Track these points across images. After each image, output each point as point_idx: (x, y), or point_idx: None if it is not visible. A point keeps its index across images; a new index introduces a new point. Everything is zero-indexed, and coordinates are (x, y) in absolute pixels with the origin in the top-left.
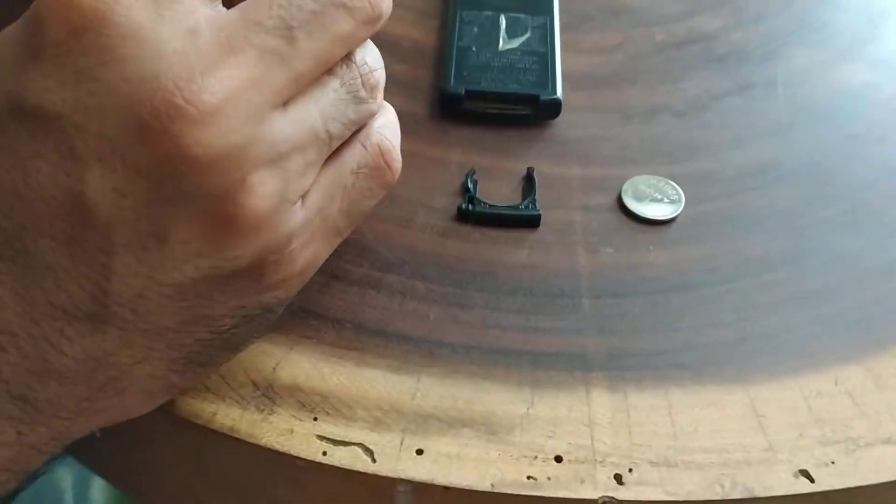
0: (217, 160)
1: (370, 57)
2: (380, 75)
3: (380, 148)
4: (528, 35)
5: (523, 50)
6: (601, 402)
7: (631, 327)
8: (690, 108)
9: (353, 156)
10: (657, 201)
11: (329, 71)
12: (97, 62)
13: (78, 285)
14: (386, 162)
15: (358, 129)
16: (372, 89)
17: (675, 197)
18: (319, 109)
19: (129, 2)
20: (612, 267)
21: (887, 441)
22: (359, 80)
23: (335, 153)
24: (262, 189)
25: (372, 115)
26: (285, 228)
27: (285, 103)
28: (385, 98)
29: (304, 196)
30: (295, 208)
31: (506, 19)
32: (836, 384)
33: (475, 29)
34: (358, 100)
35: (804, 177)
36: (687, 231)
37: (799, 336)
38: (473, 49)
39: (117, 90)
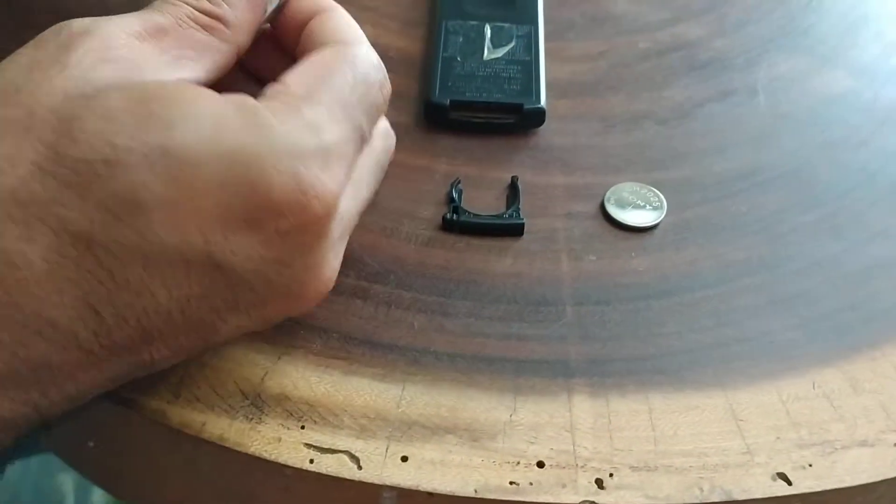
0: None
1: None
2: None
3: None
4: (512, 44)
5: (508, 59)
6: (583, 408)
7: (613, 334)
8: (673, 116)
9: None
10: (640, 208)
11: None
12: (299, 254)
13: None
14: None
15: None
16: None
17: (658, 204)
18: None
19: (334, 222)
20: (595, 274)
21: (863, 443)
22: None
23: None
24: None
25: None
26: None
27: None
28: None
29: None
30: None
31: (491, 29)
32: (813, 387)
33: (460, 38)
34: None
35: (785, 183)
36: (669, 237)
37: (777, 340)
38: (458, 59)
39: (298, 275)
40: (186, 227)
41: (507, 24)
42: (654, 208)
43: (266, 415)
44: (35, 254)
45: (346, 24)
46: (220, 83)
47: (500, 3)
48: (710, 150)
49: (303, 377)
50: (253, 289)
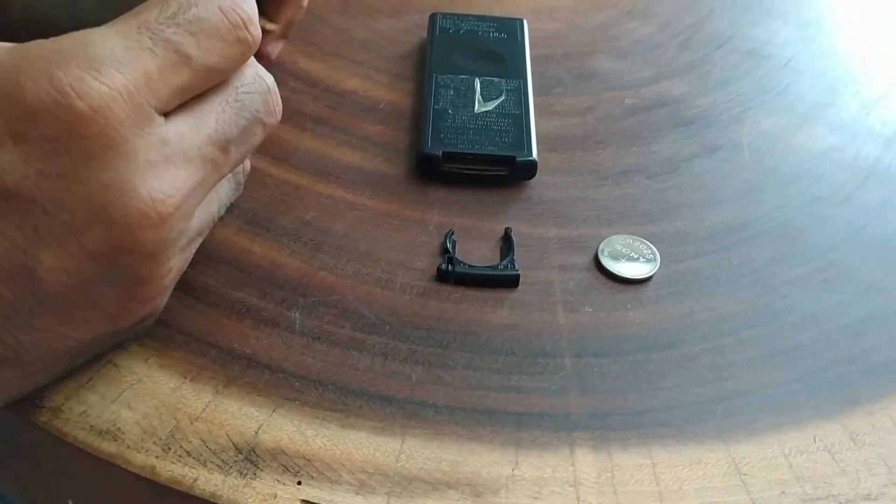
0: (158, 253)
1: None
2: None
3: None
4: (502, 98)
5: (499, 112)
6: (586, 462)
7: (613, 386)
8: (662, 170)
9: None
10: (633, 260)
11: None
12: (83, 165)
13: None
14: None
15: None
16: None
17: (651, 256)
18: (219, 197)
19: (120, 116)
20: (592, 326)
21: (867, 497)
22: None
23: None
24: (175, 268)
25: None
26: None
27: None
28: (363, 159)
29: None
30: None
31: (480, 82)
32: (814, 441)
33: (451, 92)
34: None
35: (775, 237)
36: (664, 290)
37: (777, 394)
38: (450, 111)
39: (96, 192)
40: None
41: (496, 79)
42: (648, 261)
43: (261, 470)
44: None
45: None
46: None
47: (489, 58)
48: (700, 203)
49: (298, 430)
50: (46, 211)
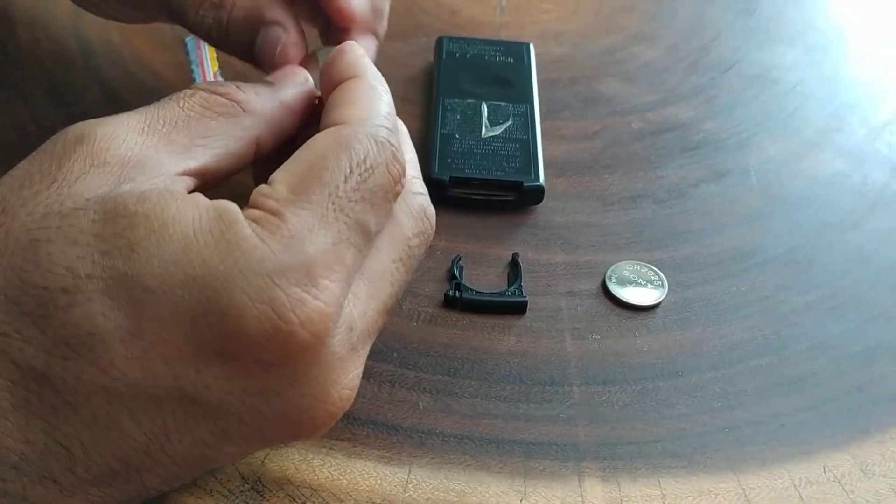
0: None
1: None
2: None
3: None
4: (509, 122)
5: (505, 137)
6: (595, 493)
7: (621, 415)
8: (669, 195)
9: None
10: (641, 287)
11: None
12: (288, 383)
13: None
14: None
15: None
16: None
17: (659, 282)
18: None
19: (331, 330)
20: (600, 354)
21: None
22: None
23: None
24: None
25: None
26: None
27: None
28: None
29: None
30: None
31: (487, 107)
32: (824, 471)
33: (458, 116)
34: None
35: (783, 263)
36: (672, 317)
37: (786, 423)
38: (457, 136)
39: (292, 403)
40: (151, 361)
41: (503, 103)
42: (656, 287)
43: (267, 500)
44: (1, 387)
45: (358, 96)
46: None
47: (496, 83)
48: (708, 229)
49: (305, 460)
50: (242, 420)
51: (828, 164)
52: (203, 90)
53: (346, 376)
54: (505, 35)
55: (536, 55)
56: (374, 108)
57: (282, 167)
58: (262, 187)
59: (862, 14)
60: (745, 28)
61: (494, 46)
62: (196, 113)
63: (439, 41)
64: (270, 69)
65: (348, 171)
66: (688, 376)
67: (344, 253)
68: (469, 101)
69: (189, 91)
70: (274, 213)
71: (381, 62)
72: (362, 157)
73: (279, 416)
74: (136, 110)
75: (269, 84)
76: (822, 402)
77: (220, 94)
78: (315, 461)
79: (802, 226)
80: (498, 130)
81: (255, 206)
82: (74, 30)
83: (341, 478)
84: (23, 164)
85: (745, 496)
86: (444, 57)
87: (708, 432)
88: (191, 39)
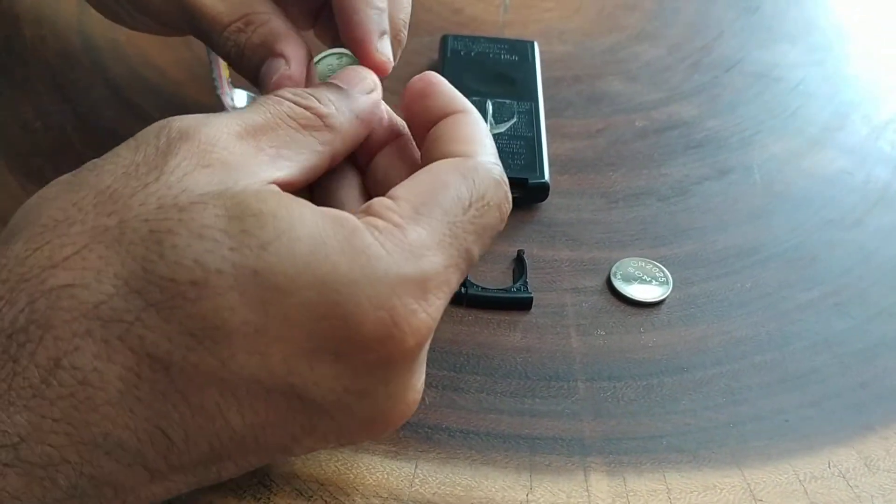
0: None
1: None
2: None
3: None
4: (514, 120)
5: (511, 134)
6: (600, 488)
7: (627, 410)
8: (673, 193)
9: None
10: (646, 283)
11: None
12: (382, 384)
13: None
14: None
15: None
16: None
17: (663, 279)
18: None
19: (428, 338)
20: (605, 349)
21: None
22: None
23: None
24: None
25: None
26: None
27: None
28: None
29: None
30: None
31: (492, 104)
32: (829, 467)
33: None
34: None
35: (786, 260)
36: (676, 313)
37: (791, 419)
38: None
39: (379, 403)
40: (271, 356)
41: (508, 101)
42: (660, 283)
43: (275, 494)
44: (112, 373)
45: (473, 132)
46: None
47: (500, 80)
48: (712, 226)
49: (312, 454)
50: (333, 418)
51: (830, 162)
52: (290, 100)
53: (420, 381)
54: (508, 33)
55: (540, 53)
56: (487, 146)
57: (404, 185)
58: (386, 201)
59: (864, 13)
60: (748, 27)
61: (499, 44)
62: (283, 122)
63: (444, 39)
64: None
65: (467, 203)
66: (692, 372)
67: (451, 276)
68: (474, 98)
69: (276, 98)
70: (396, 225)
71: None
72: (481, 192)
73: (364, 414)
74: (230, 113)
75: (343, 91)
76: (825, 398)
77: (306, 108)
78: (322, 456)
79: (805, 223)
80: (503, 128)
81: (376, 216)
82: (79, 27)
83: (348, 472)
84: (123, 152)
85: (750, 491)
86: (448, 55)
87: (712, 427)
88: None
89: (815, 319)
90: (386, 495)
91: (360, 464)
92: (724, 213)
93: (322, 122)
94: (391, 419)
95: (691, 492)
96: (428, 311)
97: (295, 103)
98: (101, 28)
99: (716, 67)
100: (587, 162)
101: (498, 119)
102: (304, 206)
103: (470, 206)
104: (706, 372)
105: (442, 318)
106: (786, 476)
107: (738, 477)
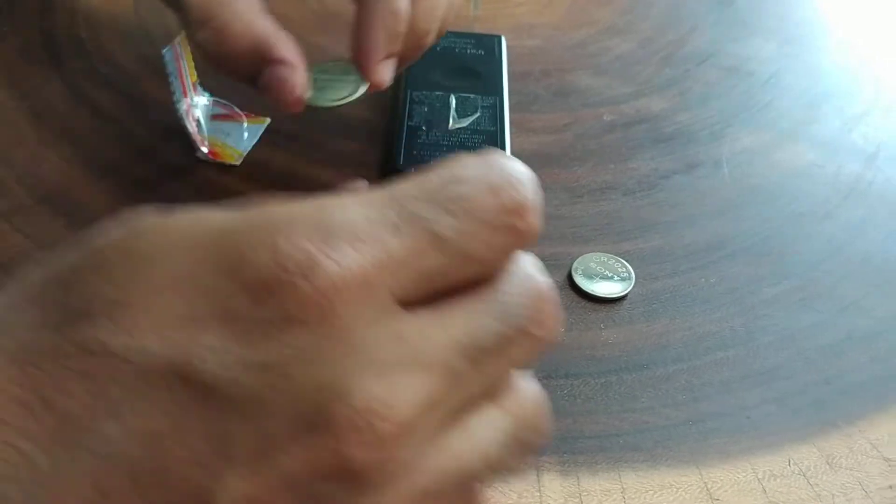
0: (367, 487)
1: (538, 397)
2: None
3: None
4: (477, 114)
5: (473, 129)
6: (553, 488)
7: (583, 409)
8: (640, 187)
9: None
10: (608, 279)
11: (503, 406)
12: (296, 356)
13: None
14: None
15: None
16: (541, 440)
17: (626, 274)
18: (482, 453)
19: (348, 300)
20: (563, 346)
21: None
22: (529, 427)
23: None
24: None
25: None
26: None
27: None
28: (335, 176)
29: None
30: None
31: (456, 99)
32: (789, 465)
33: (425, 108)
34: (524, 450)
35: (754, 254)
36: (638, 309)
37: (753, 416)
38: (423, 128)
39: (303, 395)
40: (139, 329)
41: (472, 95)
42: (622, 279)
43: None
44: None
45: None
46: None
47: (465, 75)
48: (678, 221)
49: None
50: (242, 414)
51: (802, 155)
52: None
53: (382, 389)
54: (478, 28)
55: (509, 48)
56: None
57: None
58: None
59: (838, 7)
60: (722, 20)
61: (465, 39)
62: None
63: None
64: (277, 103)
65: (427, 179)
66: (652, 369)
67: (381, 231)
68: (437, 93)
69: None
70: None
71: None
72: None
73: (286, 412)
74: None
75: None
76: (789, 394)
77: None
78: None
79: (774, 217)
80: (465, 122)
81: None
82: (41, 22)
83: None
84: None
85: (707, 490)
86: None
87: (671, 425)
88: (168, 51)
89: (782, 314)
90: None
91: None
92: (691, 207)
93: None
94: (336, 424)
95: (646, 491)
96: (333, 256)
97: None
98: (65, 25)
99: (688, 61)
100: (552, 156)
101: (461, 114)
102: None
103: (429, 184)
104: (667, 368)
105: None
106: (744, 474)
107: (696, 476)
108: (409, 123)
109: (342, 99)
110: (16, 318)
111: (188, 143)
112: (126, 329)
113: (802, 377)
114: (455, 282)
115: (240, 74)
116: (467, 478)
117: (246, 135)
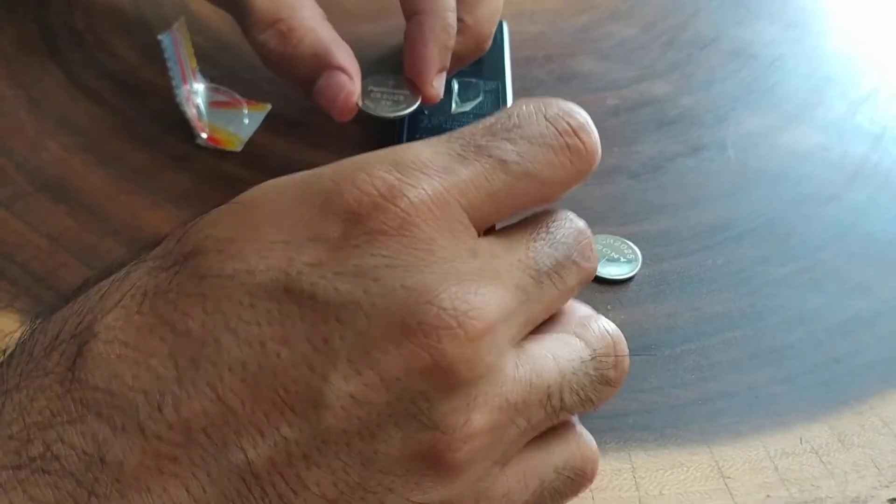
0: (458, 387)
1: (622, 340)
2: (628, 362)
3: (586, 455)
4: (480, 99)
5: (475, 114)
6: None
7: None
8: (645, 170)
9: (563, 453)
10: (614, 261)
11: (578, 334)
12: (385, 263)
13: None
14: (588, 474)
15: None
16: (620, 375)
17: (632, 256)
18: (560, 371)
19: (426, 213)
20: None
21: (856, 500)
22: (612, 359)
23: (542, 439)
24: (479, 439)
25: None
26: (478, 492)
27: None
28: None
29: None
30: (496, 472)
31: (458, 83)
32: (801, 443)
33: None
34: (604, 380)
35: (760, 236)
36: (645, 290)
37: (763, 395)
38: (425, 112)
39: (394, 295)
40: (244, 255)
41: (474, 80)
42: (629, 261)
43: None
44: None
45: None
46: None
47: None
48: (684, 203)
49: None
50: (339, 318)
51: (807, 138)
52: None
53: (467, 293)
54: None
55: (511, 34)
56: None
57: None
58: None
59: None
60: (725, 4)
61: None
62: None
63: None
64: (329, 109)
65: (484, 122)
66: (660, 349)
67: (448, 159)
68: None
69: None
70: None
71: (353, 43)
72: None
73: (380, 313)
74: None
75: None
76: (798, 374)
77: None
78: None
79: (780, 198)
80: (468, 107)
81: None
82: (38, 13)
83: None
84: None
85: (718, 468)
86: None
87: (680, 405)
88: (166, 37)
89: (789, 295)
90: None
91: None
92: (696, 189)
93: None
94: (427, 324)
95: (657, 470)
96: (407, 181)
97: None
98: (61, 15)
99: (691, 45)
100: None
101: (463, 98)
102: None
103: (487, 124)
104: (675, 349)
105: None
106: (755, 452)
107: (707, 454)
108: None
109: (399, 112)
110: (136, 269)
111: (188, 130)
112: (233, 256)
113: (811, 357)
114: (521, 204)
115: (297, 77)
116: (550, 395)
117: (247, 121)
